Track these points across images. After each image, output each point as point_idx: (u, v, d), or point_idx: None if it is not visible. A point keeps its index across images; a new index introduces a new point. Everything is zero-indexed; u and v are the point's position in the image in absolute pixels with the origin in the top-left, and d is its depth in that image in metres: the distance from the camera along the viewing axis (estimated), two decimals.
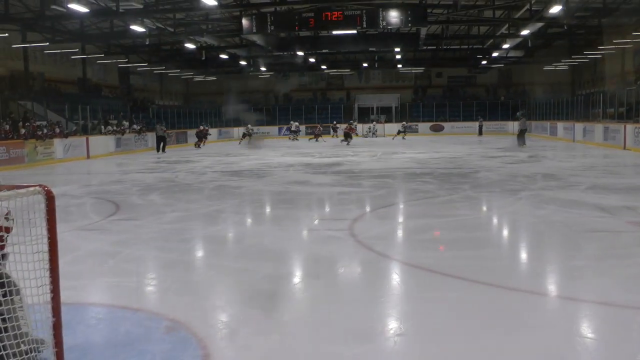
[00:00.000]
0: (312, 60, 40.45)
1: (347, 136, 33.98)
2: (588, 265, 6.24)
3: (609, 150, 24.04)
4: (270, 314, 4.81)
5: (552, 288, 5.67)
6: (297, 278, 6.09)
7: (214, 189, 13.13)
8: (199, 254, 7.33)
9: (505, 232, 8.63)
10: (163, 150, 29.29)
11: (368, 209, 10.47)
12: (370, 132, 44.53)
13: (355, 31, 25.14)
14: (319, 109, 49.64)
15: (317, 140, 37.67)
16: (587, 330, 4.54)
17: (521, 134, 28.17)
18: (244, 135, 35.52)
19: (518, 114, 43.26)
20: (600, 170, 15.91)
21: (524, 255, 7.11)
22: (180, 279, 5.88)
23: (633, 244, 7.15)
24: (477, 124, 44.88)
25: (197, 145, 32.62)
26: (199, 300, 5.20)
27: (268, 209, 10.98)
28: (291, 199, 11.54)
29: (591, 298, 5.17)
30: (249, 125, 36.53)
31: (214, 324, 4.65)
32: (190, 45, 31.26)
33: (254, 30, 21.71)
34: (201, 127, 34.22)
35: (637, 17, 26.89)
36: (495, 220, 9.52)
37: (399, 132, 40.24)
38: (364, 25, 21.06)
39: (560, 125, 34.93)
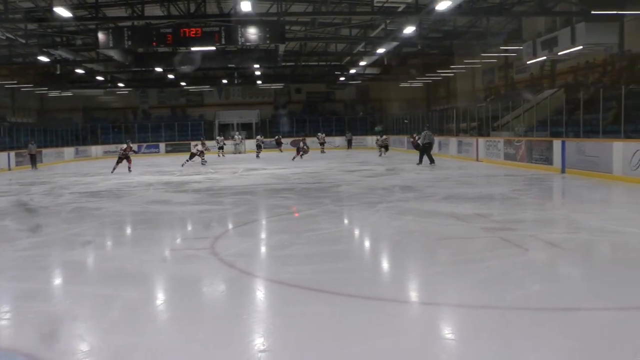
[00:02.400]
0: (171, 76, 39.78)
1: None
2: (444, 270, 6.51)
3: (463, 162, 25.34)
4: (132, 339, 4.63)
5: (411, 294, 5.86)
6: (158, 300, 5.91)
7: (71, 212, 12.46)
8: (57, 281, 6.90)
9: (364, 244, 8.82)
10: (35, 166, 30.69)
11: (229, 226, 10.37)
12: (236, 147, 41.97)
13: (214, 48, 25.00)
14: (178, 126, 48.94)
15: (301, 157, 31.40)
16: (445, 332, 4.75)
17: (427, 150, 23.95)
18: (192, 156, 28.85)
19: (376, 128, 44.84)
20: (455, 181, 16.65)
21: (383, 265, 7.29)
22: (36, 310, 5.49)
23: (484, 248, 7.53)
24: (337, 138, 46.01)
25: (129, 169, 24.77)
26: (56, 331, 4.90)
27: (128, 231, 10.61)
28: (151, 219, 11.17)
29: (448, 301, 5.42)
30: (202, 144, 29.93)
31: (72, 354, 4.39)
32: (44, 59, 29.78)
33: (111, 45, 21.02)
34: (124, 146, 25.68)
35: (485, 40, 28.57)
36: (354, 233, 9.72)
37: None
38: (223, 42, 20.92)
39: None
